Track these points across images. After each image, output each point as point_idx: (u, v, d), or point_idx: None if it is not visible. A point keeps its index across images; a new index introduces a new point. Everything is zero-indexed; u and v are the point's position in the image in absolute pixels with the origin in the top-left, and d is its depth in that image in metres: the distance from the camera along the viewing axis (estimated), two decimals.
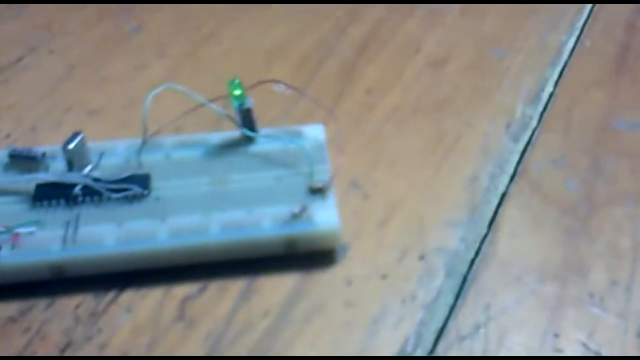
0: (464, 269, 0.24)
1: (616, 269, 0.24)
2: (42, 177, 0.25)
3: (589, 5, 0.35)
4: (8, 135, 0.28)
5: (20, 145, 0.26)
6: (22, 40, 0.32)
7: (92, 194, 0.24)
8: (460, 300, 0.23)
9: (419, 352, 0.22)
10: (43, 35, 0.33)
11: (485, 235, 0.25)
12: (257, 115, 0.26)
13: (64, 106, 0.29)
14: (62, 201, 0.24)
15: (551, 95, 0.30)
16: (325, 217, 0.24)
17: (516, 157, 0.27)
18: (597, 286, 0.23)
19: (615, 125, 0.29)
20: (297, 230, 0.23)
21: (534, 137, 0.28)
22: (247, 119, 0.26)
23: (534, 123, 0.29)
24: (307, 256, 0.24)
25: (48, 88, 0.30)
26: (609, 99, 0.30)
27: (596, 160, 0.27)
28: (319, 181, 0.25)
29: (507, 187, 0.26)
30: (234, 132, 0.26)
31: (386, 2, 0.34)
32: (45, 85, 0.30)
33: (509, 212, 0.26)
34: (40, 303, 0.23)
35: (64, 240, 0.23)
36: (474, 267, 0.24)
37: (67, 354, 0.22)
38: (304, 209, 0.24)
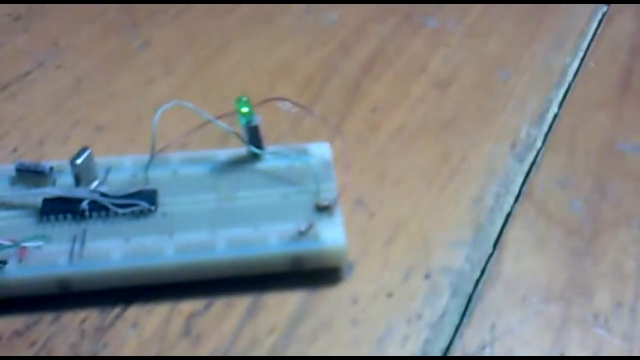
0: (470, 288, 0.24)
1: (621, 290, 0.24)
2: (50, 192, 0.25)
3: (593, 27, 0.35)
4: (15, 150, 0.28)
5: (28, 159, 0.26)
6: (30, 55, 0.33)
7: (99, 209, 0.24)
8: (466, 320, 0.23)
9: None
10: (51, 50, 0.33)
11: (491, 255, 0.25)
12: (264, 133, 0.26)
13: (71, 121, 0.30)
14: (69, 216, 0.24)
15: (556, 116, 0.30)
16: (332, 235, 0.24)
17: (521, 178, 0.27)
18: (602, 307, 0.24)
19: (620, 147, 0.29)
20: (304, 248, 0.24)
21: (538, 158, 0.28)
22: (254, 137, 0.26)
23: (538, 144, 0.29)
24: (313, 274, 0.24)
25: (56, 103, 0.30)
26: (614, 121, 0.30)
27: (601, 182, 0.27)
28: (325, 199, 0.25)
29: (513, 207, 0.26)
30: (240, 150, 0.27)
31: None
32: (53, 100, 0.30)
33: (514, 233, 0.26)
34: (47, 317, 0.23)
35: (71, 255, 0.23)
36: (480, 286, 0.24)
37: None
38: (310, 227, 0.24)
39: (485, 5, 0.36)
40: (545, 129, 0.29)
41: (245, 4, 0.35)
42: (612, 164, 0.28)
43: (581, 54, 0.33)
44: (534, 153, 0.28)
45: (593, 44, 0.34)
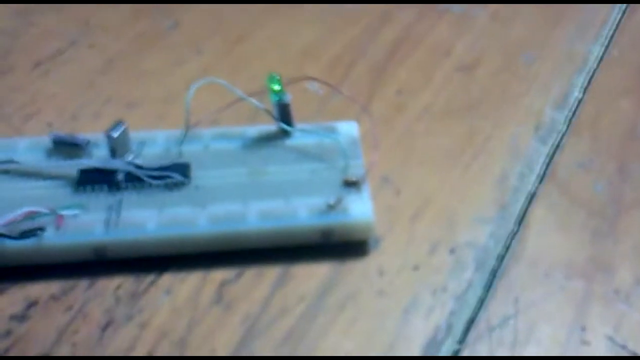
0: (494, 263, 0.25)
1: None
2: (86, 163, 0.25)
3: (616, 17, 0.35)
4: (50, 124, 0.29)
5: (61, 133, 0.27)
6: (62, 34, 0.33)
7: (134, 180, 0.25)
8: (489, 293, 0.24)
9: (450, 341, 0.22)
10: (83, 30, 0.34)
11: (515, 233, 0.25)
12: (293, 111, 0.27)
13: (103, 98, 0.30)
14: (105, 186, 0.25)
15: (579, 101, 0.30)
16: (360, 209, 0.24)
17: (544, 159, 0.28)
18: (623, 284, 0.24)
19: None
20: (333, 220, 0.24)
21: (562, 141, 0.29)
22: (284, 114, 0.27)
23: (561, 127, 0.29)
24: (341, 246, 0.24)
25: (87, 80, 0.31)
26: (636, 107, 0.30)
27: (623, 165, 0.28)
28: (353, 175, 0.25)
29: (536, 187, 0.27)
30: (270, 126, 0.27)
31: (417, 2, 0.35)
32: (84, 77, 0.31)
33: (537, 212, 0.26)
34: (82, 283, 0.24)
35: (107, 223, 0.24)
36: (504, 262, 0.25)
37: (108, 332, 0.22)
38: (339, 201, 0.24)
39: None
40: (568, 112, 0.30)
41: None
42: (634, 147, 0.29)
43: (604, 42, 0.34)
44: (557, 136, 0.29)
45: (616, 33, 0.34)
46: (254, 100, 0.27)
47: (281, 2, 0.35)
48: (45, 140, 0.26)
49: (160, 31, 0.34)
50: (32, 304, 0.23)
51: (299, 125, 0.27)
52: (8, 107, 0.30)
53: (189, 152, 0.26)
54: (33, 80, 0.31)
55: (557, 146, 0.29)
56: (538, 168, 0.28)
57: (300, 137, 0.27)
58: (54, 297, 0.23)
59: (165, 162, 0.25)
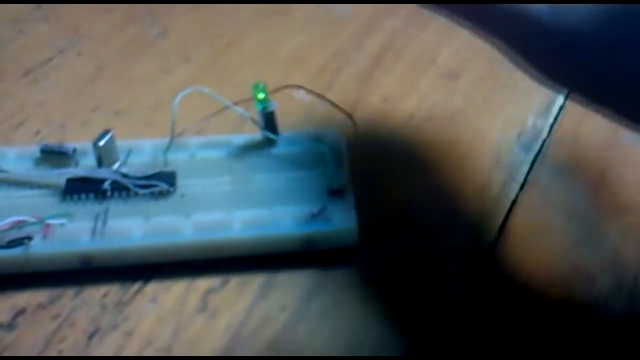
0: (475, 271, 0.25)
1: (621, 275, 0.25)
2: (73, 172, 0.26)
3: None
4: (38, 132, 0.29)
5: (50, 142, 0.27)
6: (51, 43, 0.33)
7: (120, 189, 0.25)
8: (471, 301, 0.24)
9: (432, 347, 0.23)
10: (71, 38, 0.34)
11: (496, 240, 0.26)
12: (278, 119, 0.27)
13: (91, 106, 0.30)
14: (91, 195, 0.25)
15: (561, 108, 0.31)
16: (343, 218, 0.25)
17: (526, 167, 0.28)
18: (603, 291, 0.24)
19: (623, 139, 0.30)
20: (316, 229, 0.25)
21: (544, 148, 0.29)
22: (269, 122, 0.27)
23: (544, 134, 0.30)
24: (324, 254, 0.25)
25: (76, 88, 0.31)
26: (617, 114, 0.31)
27: (603, 171, 0.28)
28: (337, 183, 0.26)
29: (518, 194, 0.27)
30: (256, 135, 0.27)
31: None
32: (73, 85, 0.31)
33: (518, 219, 0.27)
34: (69, 291, 0.24)
35: (93, 232, 0.24)
36: (485, 270, 0.25)
37: (95, 340, 0.23)
38: (322, 209, 0.25)
39: None
40: (551, 119, 0.30)
41: None
42: (615, 155, 0.29)
43: None
44: (540, 143, 0.29)
45: None
46: (238, 109, 0.27)
47: (269, 10, 0.36)
48: (34, 149, 0.27)
49: (148, 39, 0.34)
50: (19, 313, 0.23)
51: (284, 133, 0.27)
52: None
53: (175, 160, 0.27)
54: (22, 88, 0.31)
55: (539, 153, 0.29)
56: (520, 175, 0.28)
57: (285, 145, 0.27)
58: (41, 306, 0.24)
59: (151, 170, 0.26)
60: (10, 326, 0.23)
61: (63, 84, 0.32)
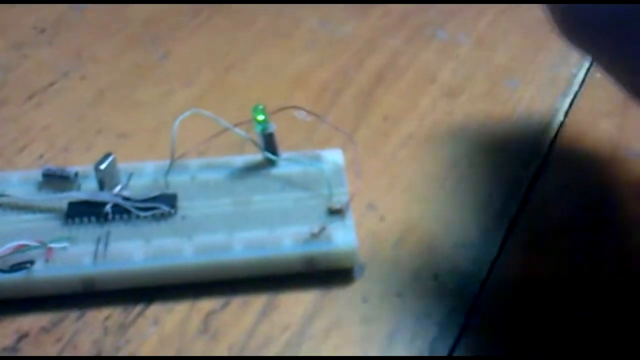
0: (476, 289, 0.25)
1: (623, 291, 0.25)
2: (75, 195, 0.26)
3: None
4: (41, 156, 0.30)
5: (53, 165, 0.27)
6: (54, 67, 0.34)
7: (121, 212, 0.25)
8: (472, 319, 0.24)
9: None
10: (74, 61, 0.34)
11: (497, 257, 0.26)
12: (279, 140, 0.27)
13: (94, 129, 0.31)
14: (93, 218, 0.25)
15: (561, 124, 0.31)
16: (344, 237, 0.25)
17: (527, 184, 0.28)
18: (606, 307, 0.24)
19: (623, 155, 0.30)
20: (316, 249, 0.25)
21: (544, 165, 0.29)
22: (269, 143, 0.27)
23: (544, 151, 0.30)
24: (325, 274, 0.25)
25: (79, 112, 0.32)
26: (618, 130, 0.31)
27: (604, 188, 0.28)
28: (337, 203, 0.26)
29: (518, 212, 0.27)
30: (256, 156, 0.28)
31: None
32: (76, 109, 0.32)
33: (519, 236, 0.27)
34: (72, 315, 0.24)
35: (95, 255, 0.24)
36: (486, 287, 0.25)
37: None
38: (323, 229, 0.25)
39: (493, 17, 0.37)
40: (551, 136, 0.30)
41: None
42: (616, 170, 0.29)
43: (587, 65, 0.34)
44: (540, 160, 0.29)
45: None
46: (239, 130, 0.27)
47: (271, 32, 0.36)
48: (36, 173, 0.27)
49: (151, 62, 0.34)
50: (22, 336, 0.24)
51: (284, 154, 0.28)
52: (1, 140, 0.30)
53: (176, 182, 0.27)
54: (26, 112, 0.32)
55: (540, 170, 0.29)
56: (521, 193, 0.28)
57: (286, 166, 0.27)
58: (44, 329, 0.24)
59: (152, 193, 0.26)
60: (14, 349, 0.23)
61: (66, 107, 0.32)
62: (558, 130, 0.31)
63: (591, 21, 0.21)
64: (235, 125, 0.27)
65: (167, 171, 0.27)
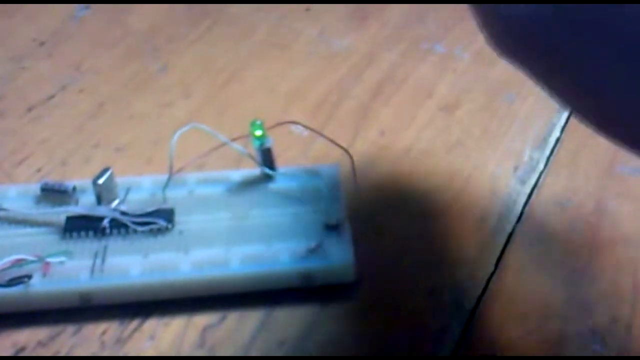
0: (472, 304, 0.25)
1: (617, 307, 0.25)
2: (73, 210, 0.26)
3: None
4: (39, 170, 0.30)
5: (51, 179, 0.28)
6: (53, 79, 0.34)
7: (119, 226, 0.26)
8: (467, 334, 0.24)
9: None
10: (73, 74, 0.34)
11: (493, 273, 0.26)
12: (276, 155, 0.28)
13: (92, 142, 0.31)
14: (90, 233, 0.25)
15: (558, 140, 0.31)
16: (340, 253, 0.25)
17: (523, 199, 0.29)
18: (599, 324, 0.24)
19: (619, 170, 0.30)
20: (313, 264, 0.25)
21: (540, 180, 0.29)
22: (266, 158, 0.27)
23: (540, 166, 0.30)
24: (322, 289, 0.25)
25: (78, 125, 0.32)
26: (613, 146, 0.31)
27: (600, 203, 0.28)
28: (334, 218, 0.26)
29: (514, 227, 0.28)
30: (254, 171, 0.28)
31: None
32: (75, 122, 0.32)
33: (515, 252, 0.27)
34: (69, 329, 0.24)
35: (92, 270, 0.24)
36: (481, 303, 0.25)
37: None
38: (319, 245, 0.25)
39: None
40: (548, 151, 0.31)
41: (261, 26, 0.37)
42: (612, 186, 0.29)
43: None
44: (536, 175, 0.30)
45: None
46: (236, 145, 0.27)
47: (269, 45, 0.36)
48: (34, 188, 0.27)
49: (149, 74, 0.35)
50: (20, 350, 0.24)
51: (282, 168, 0.28)
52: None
53: (174, 197, 0.27)
54: (25, 125, 0.32)
55: (536, 185, 0.29)
56: (517, 208, 0.28)
57: (283, 181, 0.28)
58: (41, 343, 0.24)
59: (149, 207, 0.26)
60: None
61: (65, 120, 0.32)
62: (555, 146, 0.31)
63: (515, 26, 0.15)
64: (233, 139, 0.27)
65: (165, 185, 0.27)
